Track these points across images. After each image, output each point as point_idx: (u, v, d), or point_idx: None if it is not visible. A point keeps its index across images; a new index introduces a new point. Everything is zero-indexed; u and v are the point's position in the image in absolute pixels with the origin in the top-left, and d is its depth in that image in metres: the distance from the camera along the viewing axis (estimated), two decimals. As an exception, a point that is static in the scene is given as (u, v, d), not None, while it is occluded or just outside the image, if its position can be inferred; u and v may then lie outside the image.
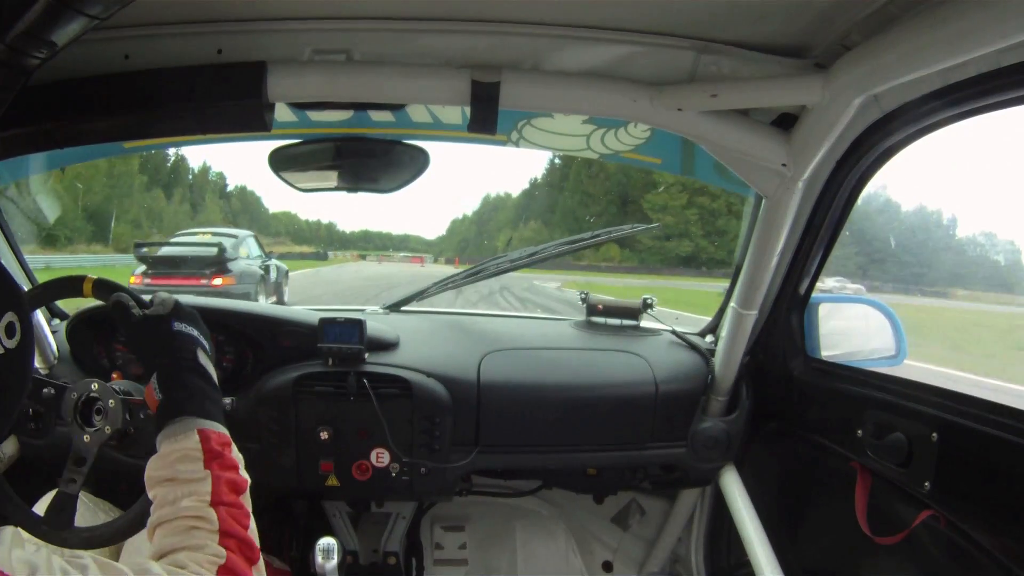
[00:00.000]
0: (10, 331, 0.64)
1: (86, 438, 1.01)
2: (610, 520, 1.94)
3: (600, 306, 1.77)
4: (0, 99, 0.76)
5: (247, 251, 8.34)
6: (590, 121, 1.44)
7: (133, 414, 1.09)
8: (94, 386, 1.03)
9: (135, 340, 0.97)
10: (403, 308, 1.83)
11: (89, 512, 1.25)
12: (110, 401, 1.03)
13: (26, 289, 1.43)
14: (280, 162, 1.41)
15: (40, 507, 1.10)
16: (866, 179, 1.21)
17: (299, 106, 1.31)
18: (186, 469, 0.80)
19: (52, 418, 1.04)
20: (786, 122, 1.13)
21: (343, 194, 1.61)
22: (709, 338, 1.70)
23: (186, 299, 1.54)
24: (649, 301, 1.74)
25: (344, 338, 1.45)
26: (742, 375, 1.54)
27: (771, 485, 1.57)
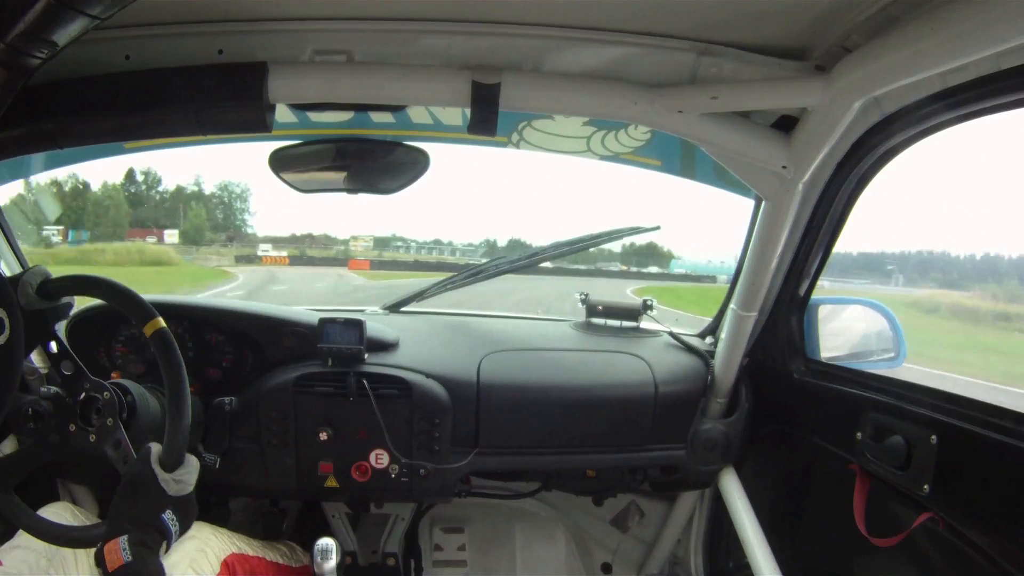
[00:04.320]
0: None
1: (91, 438, 1.02)
2: (609, 522, 1.94)
3: (600, 307, 1.77)
4: (1, 98, 0.76)
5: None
6: (590, 123, 1.45)
7: (131, 413, 1.09)
8: (94, 385, 1.04)
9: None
10: (403, 309, 1.83)
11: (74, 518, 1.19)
12: (109, 399, 1.03)
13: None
14: (280, 163, 1.41)
15: (48, 512, 1.11)
16: (866, 181, 1.21)
17: (299, 107, 1.31)
18: None
19: (51, 417, 1.04)
20: (786, 124, 1.13)
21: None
22: (709, 339, 1.70)
23: (178, 299, 1.54)
24: (649, 302, 1.74)
25: (344, 338, 1.45)
26: (741, 377, 1.54)
27: (770, 487, 1.57)
